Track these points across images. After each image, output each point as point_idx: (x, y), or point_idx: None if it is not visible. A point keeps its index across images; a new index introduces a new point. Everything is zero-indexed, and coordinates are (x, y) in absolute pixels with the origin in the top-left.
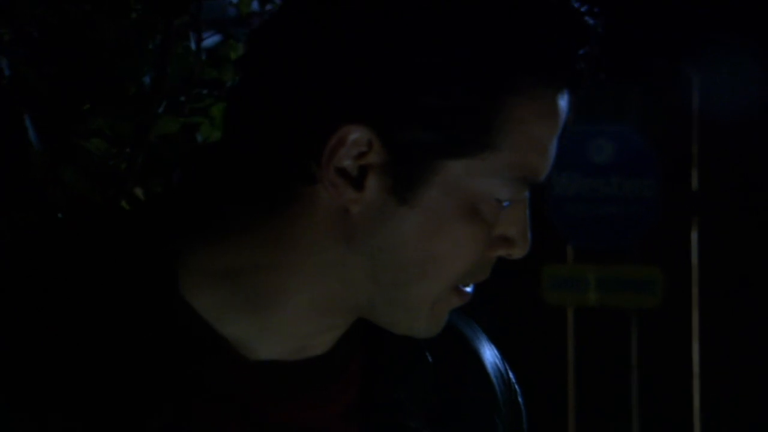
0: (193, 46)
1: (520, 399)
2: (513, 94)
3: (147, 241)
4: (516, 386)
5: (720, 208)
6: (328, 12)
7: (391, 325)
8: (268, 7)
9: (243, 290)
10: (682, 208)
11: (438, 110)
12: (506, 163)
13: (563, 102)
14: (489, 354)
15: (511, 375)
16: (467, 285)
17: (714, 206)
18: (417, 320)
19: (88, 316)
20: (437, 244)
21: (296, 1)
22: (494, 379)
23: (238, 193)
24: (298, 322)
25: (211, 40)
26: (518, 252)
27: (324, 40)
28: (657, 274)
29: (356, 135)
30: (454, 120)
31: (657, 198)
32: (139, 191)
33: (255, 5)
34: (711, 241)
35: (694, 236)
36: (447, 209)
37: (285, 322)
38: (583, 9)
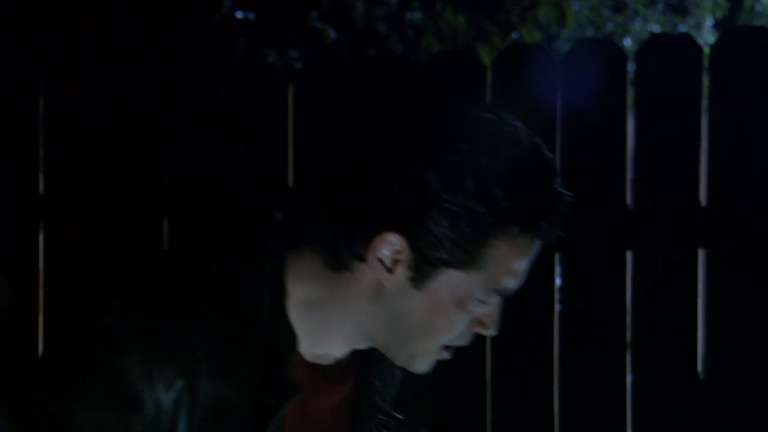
0: None
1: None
2: (498, 239)
3: (273, 276)
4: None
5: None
6: (387, 163)
7: (395, 359)
8: None
9: (313, 316)
10: (30, 213)
11: (448, 238)
12: (486, 279)
13: (535, 247)
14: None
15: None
16: (451, 346)
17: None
18: (413, 361)
19: (241, 322)
20: (433, 319)
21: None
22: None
23: (321, 258)
24: (340, 343)
25: None
26: (490, 332)
27: (386, 182)
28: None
29: (393, 239)
30: (457, 246)
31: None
32: None
33: None
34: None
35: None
36: (443, 298)
37: (332, 341)
38: (560, 190)
